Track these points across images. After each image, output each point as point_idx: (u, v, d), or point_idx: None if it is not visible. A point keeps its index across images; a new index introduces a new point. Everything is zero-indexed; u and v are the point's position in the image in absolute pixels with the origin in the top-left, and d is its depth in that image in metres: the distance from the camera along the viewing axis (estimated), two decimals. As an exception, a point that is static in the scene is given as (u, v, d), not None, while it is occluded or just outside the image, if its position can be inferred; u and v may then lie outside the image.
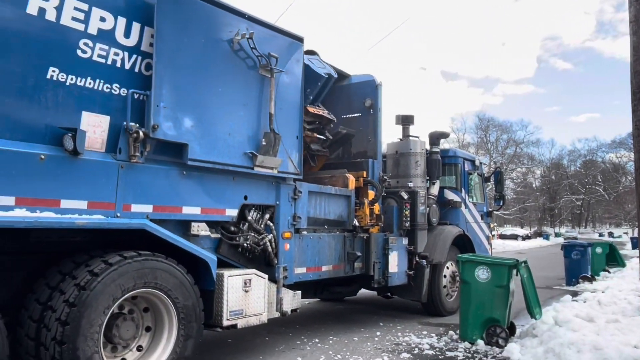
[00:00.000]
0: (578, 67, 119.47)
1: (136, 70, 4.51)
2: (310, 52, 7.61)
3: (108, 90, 4.30)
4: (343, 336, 7.10)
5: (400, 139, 9.43)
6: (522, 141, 69.06)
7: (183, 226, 4.89)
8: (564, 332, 5.82)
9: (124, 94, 4.39)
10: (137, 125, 4.34)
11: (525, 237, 54.84)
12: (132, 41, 4.47)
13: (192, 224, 4.91)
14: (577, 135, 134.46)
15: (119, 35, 4.38)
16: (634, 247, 30.39)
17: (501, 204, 12.14)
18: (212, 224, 5.15)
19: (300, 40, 6.07)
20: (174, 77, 4.62)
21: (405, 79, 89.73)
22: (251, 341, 6.66)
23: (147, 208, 4.49)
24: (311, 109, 7.09)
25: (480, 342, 6.57)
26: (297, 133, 6.01)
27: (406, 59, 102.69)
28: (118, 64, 4.38)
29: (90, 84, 4.18)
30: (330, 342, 6.75)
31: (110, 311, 3.95)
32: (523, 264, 6.97)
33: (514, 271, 6.76)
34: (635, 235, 35.78)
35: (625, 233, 58.16)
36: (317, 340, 6.82)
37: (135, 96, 4.44)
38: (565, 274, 14.32)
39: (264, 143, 5.42)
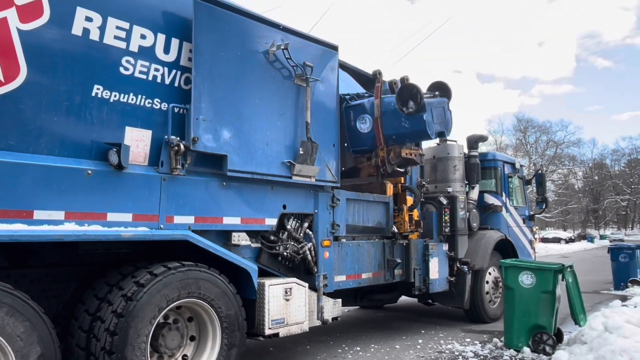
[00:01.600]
0: (619, 65, 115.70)
1: (176, 84, 4.60)
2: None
3: (149, 105, 4.41)
4: (385, 344, 7.02)
5: (438, 144, 9.31)
6: (562, 142, 67.12)
7: (224, 236, 4.94)
8: (614, 338, 5.63)
9: (165, 109, 4.49)
10: (178, 138, 4.42)
11: (569, 240, 53.16)
12: (171, 57, 4.57)
13: (233, 234, 4.96)
14: (621, 134, 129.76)
15: (159, 52, 4.48)
16: (686, 249, 29.03)
17: (544, 207, 11.82)
18: (252, 234, 5.19)
19: (334, 48, 6.08)
20: (212, 90, 4.70)
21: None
22: (292, 349, 6.66)
23: (189, 219, 4.57)
24: (405, 152, 7.03)
25: (527, 350, 6.39)
26: (334, 141, 6.01)
27: (440, 61, 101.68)
28: (159, 80, 4.48)
29: (132, 99, 4.29)
30: (372, 350, 6.68)
31: (157, 321, 4.02)
32: (568, 269, 6.77)
33: (560, 276, 6.55)
34: (687, 236, 34.23)
35: (676, 234, 55.64)
36: (358, 348, 6.76)
37: (176, 110, 4.53)
38: (613, 277, 13.87)
39: (301, 152, 5.44)
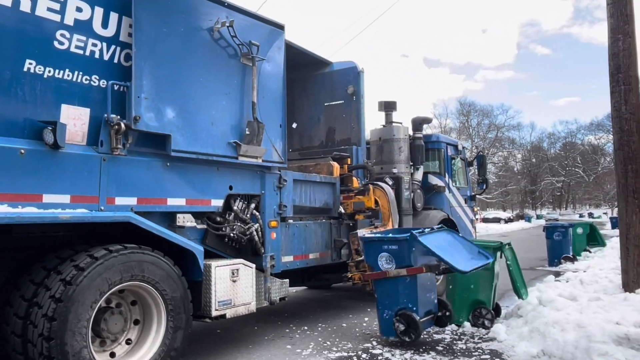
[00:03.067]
0: (557, 53, 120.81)
1: (115, 61, 4.44)
2: None
3: (87, 82, 4.23)
4: (332, 323, 7.14)
5: (384, 126, 9.45)
6: (503, 125, 69.78)
7: (168, 218, 4.85)
8: (548, 311, 5.90)
9: (104, 86, 4.32)
10: (119, 117, 4.28)
11: (508, 220, 55.58)
12: (110, 31, 4.39)
13: (178, 215, 4.88)
14: (557, 118, 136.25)
15: (97, 26, 4.29)
16: (613, 227, 31.00)
17: (484, 187, 12.29)
18: (197, 215, 5.12)
19: (281, 27, 6.02)
20: (154, 67, 4.56)
21: (387, 66, 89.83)
22: (240, 330, 6.68)
23: (132, 201, 4.45)
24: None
25: (467, 324, 6.66)
26: (280, 122, 5.99)
27: (388, 46, 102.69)
28: (96, 55, 4.30)
29: (68, 76, 4.10)
30: (319, 329, 6.78)
31: (98, 305, 3.92)
32: (507, 246, 7.04)
33: (499, 253, 6.82)
34: (615, 215, 36.50)
35: (605, 213, 59.38)
36: (306, 327, 6.85)
37: (115, 87, 4.37)
38: (548, 254, 14.57)
39: (247, 132, 5.39)
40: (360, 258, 6.59)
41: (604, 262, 12.46)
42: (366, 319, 7.40)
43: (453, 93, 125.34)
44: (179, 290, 4.47)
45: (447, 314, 6.09)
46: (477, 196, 13.73)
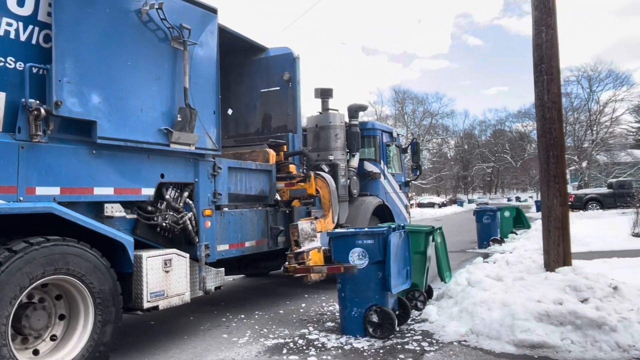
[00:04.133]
0: (488, 44, 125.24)
1: (33, 42, 4.18)
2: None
3: (2, 64, 3.96)
4: (269, 310, 7.15)
5: (320, 113, 9.48)
6: (437, 113, 71.91)
7: (96, 208, 4.66)
8: (476, 292, 6.05)
9: (21, 68, 4.06)
10: (38, 102, 4.04)
11: (441, 205, 57.68)
12: (27, 10, 4.12)
13: (106, 205, 4.69)
14: (488, 106, 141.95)
15: (11, 4, 4.02)
16: (538, 210, 32.80)
17: (418, 173, 12.65)
18: (127, 205, 4.95)
19: (213, 11, 5.87)
20: (78, 50, 4.32)
21: (325, 53, 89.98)
22: (174, 322, 6.55)
23: (54, 190, 4.23)
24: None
25: (407, 302, 6.81)
26: (214, 108, 5.86)
27: (326, 33, 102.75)
28: (12, 35, 4.03)
29: (-20, 57, 3.82)
30: (256, 316, 6.77)
31: (18, 301, 3.71)
32: (438, 231, 7.22)
33: (430, 238, 6.99)
34: (539, 198, 38.52)
35: (530, 197, 62.74)
36: (242, 316, 6.82)
37: (34, 70, 4.12)
38: (478, 237, 15.08)
39: (179, 119, 5.24)
40: (300, 250, 6.55)
41: (529, 243, 13.06)
42: (303, 305, 7.46)
43: (390, 81, 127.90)
44: (108, 282, 4.31)
45: (405, 313, 6.06)
46: (412, 182, 14.13)
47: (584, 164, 52.45)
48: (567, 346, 4.85)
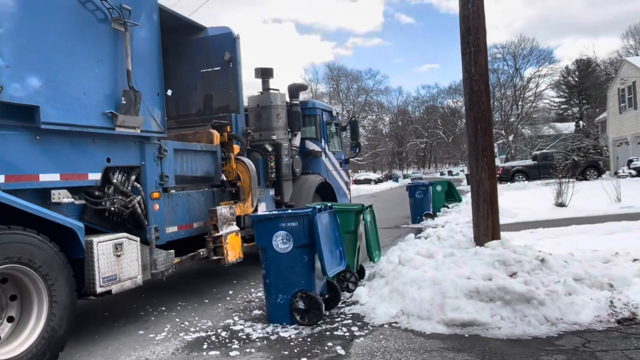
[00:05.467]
0: (419, 22, 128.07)
1: (-33, 24, 4.04)
2: None
3: None
4: (193, 299, 6.83)
5: (261, 92, 9.57)
6: (371, 89, 73.10)
7: (42, 195, 4.60)
8: (406, 270, 5.93)
9: (-44, 52, 3.93)
10: (-21, 87, 3.93)
11: (378, 181, 59.22)
12: (-41, -9, 3.97)
13: (52, 191, 4.64)
14: (421, 83, 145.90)
15: (-58, -16, 3.86)
16: (468, 183, 34.46)
17: (357, 151, 13.10)
18: (74, 190, 4.91)
19: (152, -11, 5.82)
20: (15, 33, 4.21)
21: (258, 31, 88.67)
22: (86, 321, 5.95)
23: (-2, 178, 4.16)
24: None
25: (337, 285, 6.24)
26: (158, 90, 5.86)
27: (259, 10, 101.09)
28: (-55, 18, 3.88)
29: None
30: (178, 308, 6.46)
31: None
32: (368, 209, 7.03)
33: (360, 216, 6.83)
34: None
35: (462, 171, 65.56)
36: (163, 308, 6.50)
37: (-32, 54, 4.00)
38: (411, 212, 15.43)
39: (123, 102, 5.22)
40: (218, 234, 6.44)
41: (460, 216, 13.71)
42: (230, 292, 7.24)
43: (324, 59, 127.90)
44: (57, 265, 4.29)
45: (335, 296, 5.88)
46: (350, 159, 14.51)
47: (511, 138, 55.41)
48: (497, 322, 4.83)
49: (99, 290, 4.76)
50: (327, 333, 5.05)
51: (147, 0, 5.71)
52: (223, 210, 6.76)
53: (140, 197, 5.56)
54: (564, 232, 10.03)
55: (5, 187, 4.16)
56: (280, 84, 9.99)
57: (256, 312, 6.01)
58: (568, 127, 56.22)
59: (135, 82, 5.37)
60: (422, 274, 5.61)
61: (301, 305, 5.33)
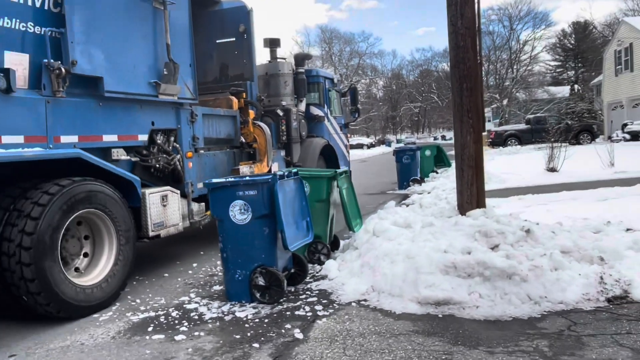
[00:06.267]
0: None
1: (46, 7, 4.93)
2: None
3: (24, 28, 4.71)
4: (153, 273, 6.40)
5: (270, 61, 10.44)
6: (364, 53, 73.31)
7: (104, 153, 5.57)
8: (380, 242, 5.52)
9: (39, 32, 4.83)
10: (60, 62, 4.84)
11: (370, 146, 60.12)
12: (38, -21, 4.83)
13: (112, 150, 5.61)
14: (416, 46, 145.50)
15: (27, -26, 4.72)
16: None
17: (357, 116, 14.07)
18: (127, 150, 5.88)
19: (184, -29, 6.66)
20: (84, 14, 5.10)
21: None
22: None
23: (74, 139, 5.11)
24: None
25: (305, 259, 5.77)
26: (190, 61, 6.77)
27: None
28: (29, 2, 4.76)
29: (7, 23, 4.56)
30: (134, 283, 5.96)
31: (62, 231, 4.64)
32: (342, 175, 6.68)
33: (334, 183, 6.51)
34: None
35: (455, 135, 66.61)
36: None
37: (50, 34, 4.89)
38: (398, 178, 15.12)
39: (165, 72, 6.14)
40: None
41: (448, 182, 12.85)
42: (194, 264, 6.76)
43: (318, 21, 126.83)
44: (122, 210, 5.27)
45: (301, 271, 5.50)
46: (350, 124, 15.46)
47: (505, 102, 56.34)
48: (474, 301, 4.44)
49: (151, 234, 5.79)
50: (288, 313, 4.65)
51: (179, -19, 6.55)
52: (244, 169, 7.76)
53: (179, 155, 6.54)
54: (554, 198, 9.73)
55: (79, 146, 5.12)
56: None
57: (216, 287, 5.58)
58: (563, 91, 57.19)
59: (172, 55, 6.27)
60: (397, 247, 5.22)
61: (261, 281, 4.92)
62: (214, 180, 5.17)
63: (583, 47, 67.03)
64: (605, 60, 37.88)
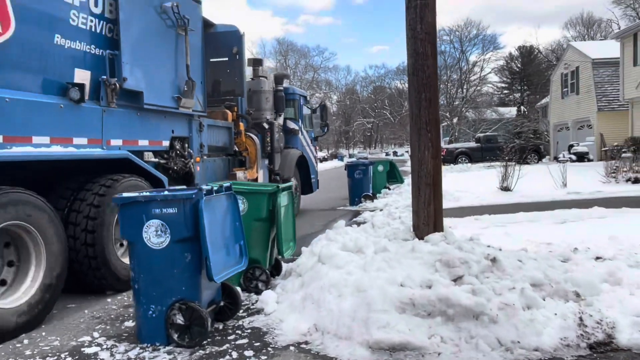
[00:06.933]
0: (370, 3, 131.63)
1: (103, 33, 6.14)
2: None
3: (89, 50, 5.92)
4: (62, 301, 5.30)
5: (252, 79, 11.79)
6: (319, 67, 75.56)
7: (139, 155, 6.75)
8: (326, 270, 4.88)
9: (98, 53, 6.04)
10: (116, 78, 6.07)
11: (322, 160, 61.78)
12: (99, 9, 6.07)
13: (145, 153, 6.83)
14: (369, 63, 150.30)
15: (92, 5, 5.95)
16: (415, 163, 37.26)
17: (326, 130, 15.68)
18: (154, 153, 7.10)
19: (199, 2, 7.98)
20: (132, 39, 6.35)
21: (209, 3, 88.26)
22: None
23: (119, 142, 6.32)
24: None
25: (238, 289, 4.92)
26: (201, 79, 8.07)
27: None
28: (92, 29, 5.97)
29: (78, 46, 5.77)
30: None
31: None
32: (284, 191, 5.91)
33: (277, 199, 5.68)
34: (416, 153, 43.16)
35: (407, 151, 69.49)
36: None
37: (107, 55, 6.11)
38: (349, 193, 14.84)
39: (185, 88, 7.41)
40: None
41: (401, 199, 13.23)
42: (109, 291, 5.80)
43: (274, 34, 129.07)
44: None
45: (232, 304, 4.71)
46: (319, 137, 16.98)
47: (455, 120, 59.59)
48: (435, 346, 3.86)
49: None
50: (211, 360, 3.81)
51: (197, 12, 7.88)
52: (240, 174, 9.08)
53: (192, 159, 7.80)
54: (512, 219, 9.62)
55: (124, 149, 6.33)
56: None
57: (128, 324, 4.70)
58: (510, 112, 61.07)
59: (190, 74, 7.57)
60: (345, 277, 4.61)
61: (180, 319, 4.12)
62: (125, 195, 4.33)
63: (529, 71, 71.65)
64: (552, 82, 39.54)
